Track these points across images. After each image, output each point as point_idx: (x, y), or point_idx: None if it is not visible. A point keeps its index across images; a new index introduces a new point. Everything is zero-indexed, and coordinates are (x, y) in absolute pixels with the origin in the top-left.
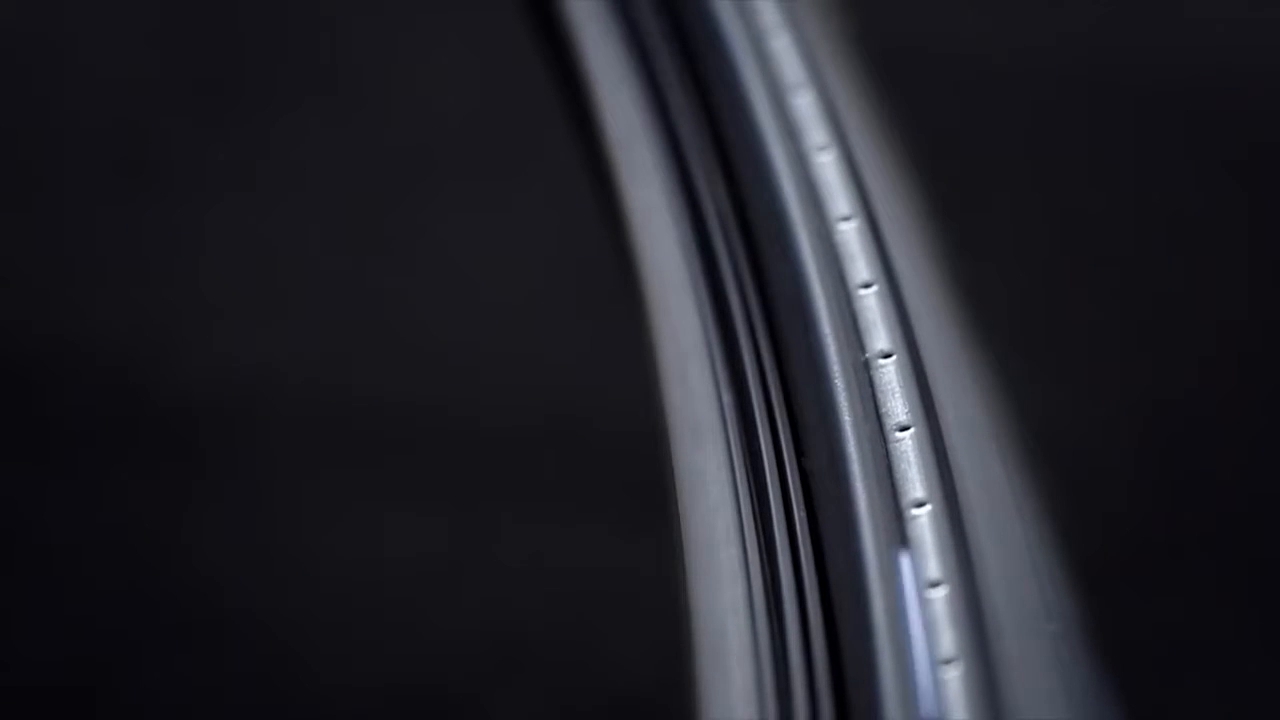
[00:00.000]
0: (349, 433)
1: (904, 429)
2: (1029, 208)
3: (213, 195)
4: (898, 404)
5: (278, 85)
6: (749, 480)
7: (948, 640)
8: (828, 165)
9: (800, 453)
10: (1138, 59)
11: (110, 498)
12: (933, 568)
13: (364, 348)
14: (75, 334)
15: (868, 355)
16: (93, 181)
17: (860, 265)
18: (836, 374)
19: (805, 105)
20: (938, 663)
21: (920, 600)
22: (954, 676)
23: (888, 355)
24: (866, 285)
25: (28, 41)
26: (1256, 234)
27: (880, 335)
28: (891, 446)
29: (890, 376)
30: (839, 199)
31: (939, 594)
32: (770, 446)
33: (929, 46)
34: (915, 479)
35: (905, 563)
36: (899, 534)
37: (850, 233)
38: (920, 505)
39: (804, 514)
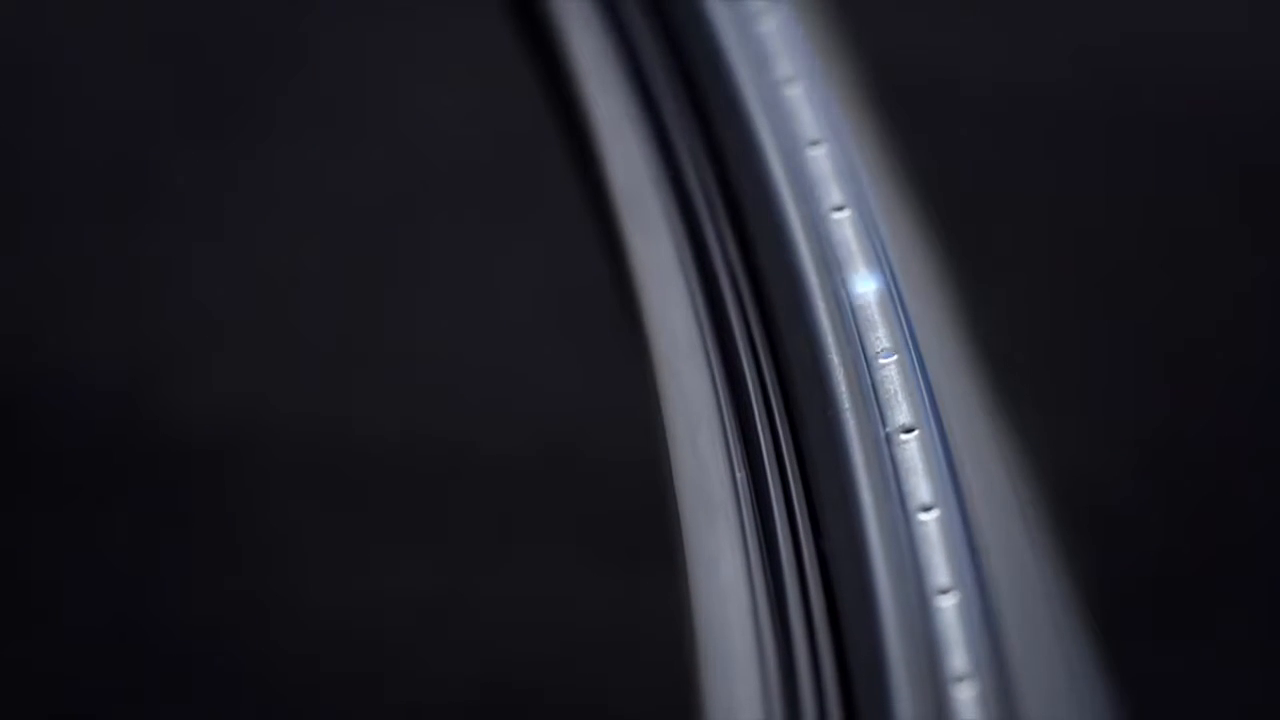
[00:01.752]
0: (345, 469)
1: (927, 509)
2: (1045, 243)
3: (206, 228)
4: (921, 483)
5: (275, 118)
6: (764, 562)
7: None
8: (845, 225)
9: (818, 534)
10: (1152, 85)
11: (99, 539)
12: (959, 660)
13: (361, 383)
14: (64, 367)
15: (889, 429)
16: (83, 212)
17: (881, 333)
18: (856, 450)
19: (821, 161)
20: None
21: (947, 695)
22: None
23: (910, 430)
24: (887, 354)
25: (18, 70)
26: (1276, 263)
27: (902, 408)
28: (915, 528)
29: (913, 453)
30: (858, 263)
31: (966, 690)
32: (786, 527)
33: (942, 79)
34: (940, 564)
35: (930, 655)
36: (923, 623)
37: (869, 298)
38: (945, 592)
39: (822, 600)
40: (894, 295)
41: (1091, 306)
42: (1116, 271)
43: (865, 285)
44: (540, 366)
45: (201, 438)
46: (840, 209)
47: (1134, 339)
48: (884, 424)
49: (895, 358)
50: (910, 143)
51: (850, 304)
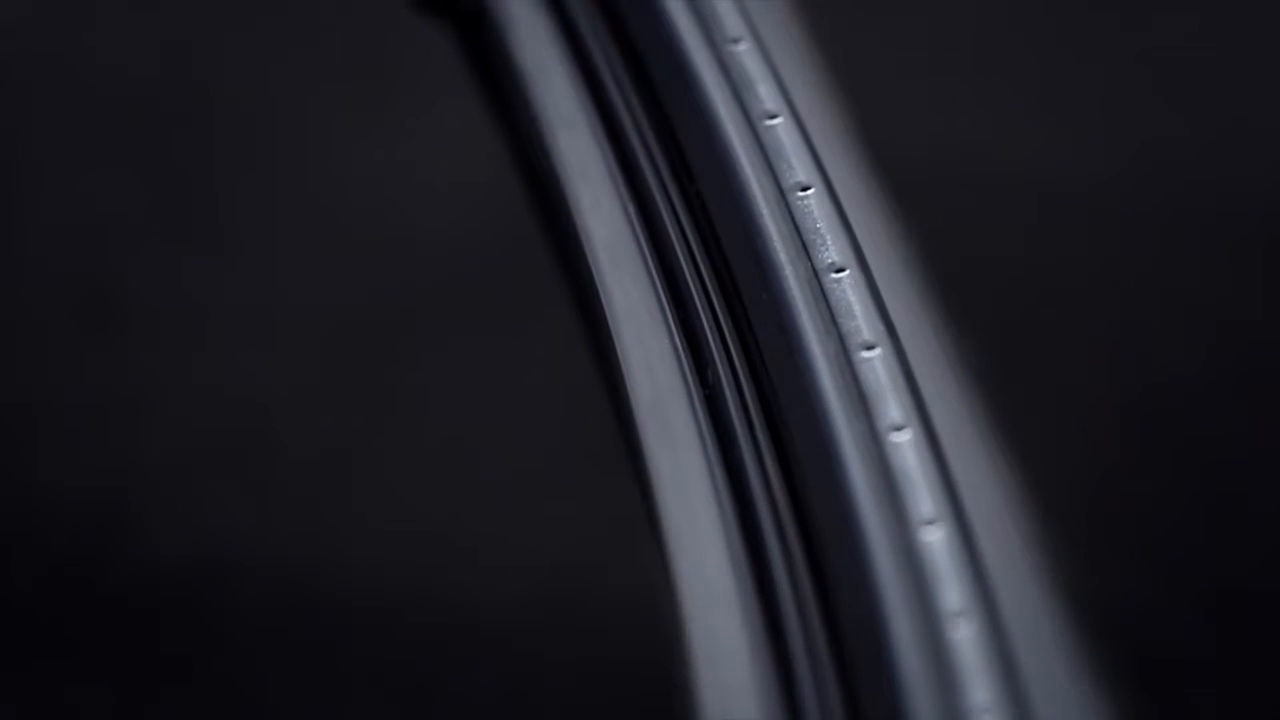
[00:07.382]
0: (329, 626)
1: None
2: (1091, 351)
3: (182, 347)
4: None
5: (251, 229)
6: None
7: None
8: (906, 450)
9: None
10: (1211, 186)
11: (60, 706)
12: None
13: (346, 527)
14: (21, 505)
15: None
16: (53, 331)
17: (951, 590)
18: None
19: (876, 366)
20: None
21: None
22: None
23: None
24: (956, 616)
25: None
26: None
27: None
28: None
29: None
30: (924, 498)
31: None
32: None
33: (986, 179)
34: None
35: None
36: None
37: (934, 539)
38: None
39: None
40: (966, 547)
41: (1140, 437)
42: (1172, 399)
43: (931, 531)
44: (543, 510)
45: (170, 590)
46: (900, 429)
47: (1191, 473)
48: (950, 687)
49: (967, 628)
50: (951, 255)
51: (914, 546)
